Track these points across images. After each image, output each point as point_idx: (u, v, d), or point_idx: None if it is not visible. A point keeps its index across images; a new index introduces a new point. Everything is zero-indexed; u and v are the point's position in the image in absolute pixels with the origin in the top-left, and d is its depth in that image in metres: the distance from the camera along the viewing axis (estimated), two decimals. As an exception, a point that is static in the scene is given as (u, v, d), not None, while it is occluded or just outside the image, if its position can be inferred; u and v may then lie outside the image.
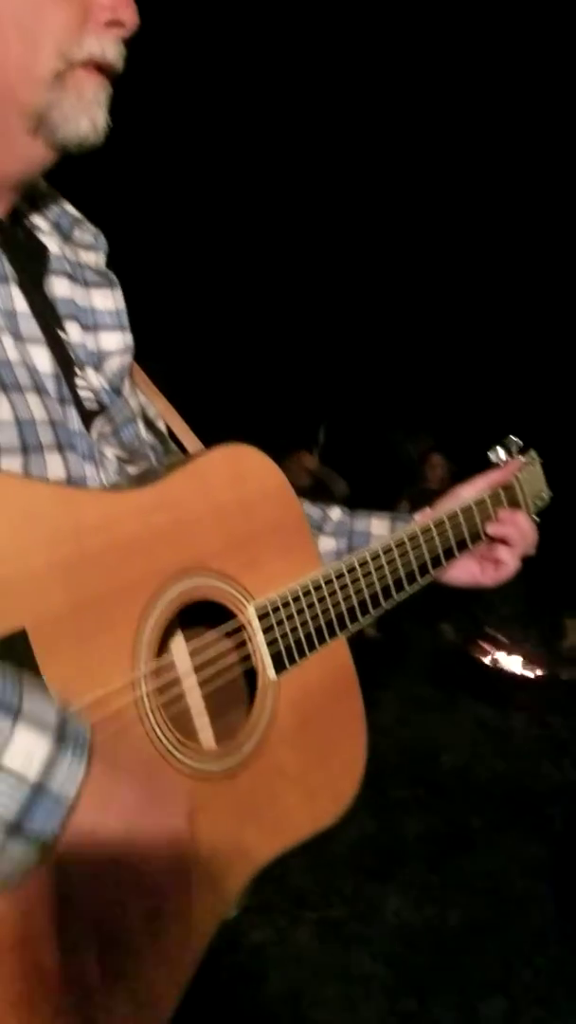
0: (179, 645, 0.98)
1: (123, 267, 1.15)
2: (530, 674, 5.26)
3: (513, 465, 1.44)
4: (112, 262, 1.14)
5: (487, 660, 5.38)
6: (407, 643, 6.05)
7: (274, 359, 8.43)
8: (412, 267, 8.95)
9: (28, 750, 0.64)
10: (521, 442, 1.49)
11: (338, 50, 7.24)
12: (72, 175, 1.06)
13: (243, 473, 1.05)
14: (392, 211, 8.48)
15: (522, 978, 2.87)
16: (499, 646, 5.42)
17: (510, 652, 5.38)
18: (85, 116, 0.94)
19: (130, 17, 0.94)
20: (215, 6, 6.42)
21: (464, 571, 1.36)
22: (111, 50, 0.94)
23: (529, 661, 5.31)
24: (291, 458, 6.38)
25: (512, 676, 5.27)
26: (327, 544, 1.34)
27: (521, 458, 1.48)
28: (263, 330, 8.55)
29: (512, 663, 5.33)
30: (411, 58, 7.19)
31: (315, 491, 6.05)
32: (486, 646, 5.46)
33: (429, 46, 7.08)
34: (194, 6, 5.90)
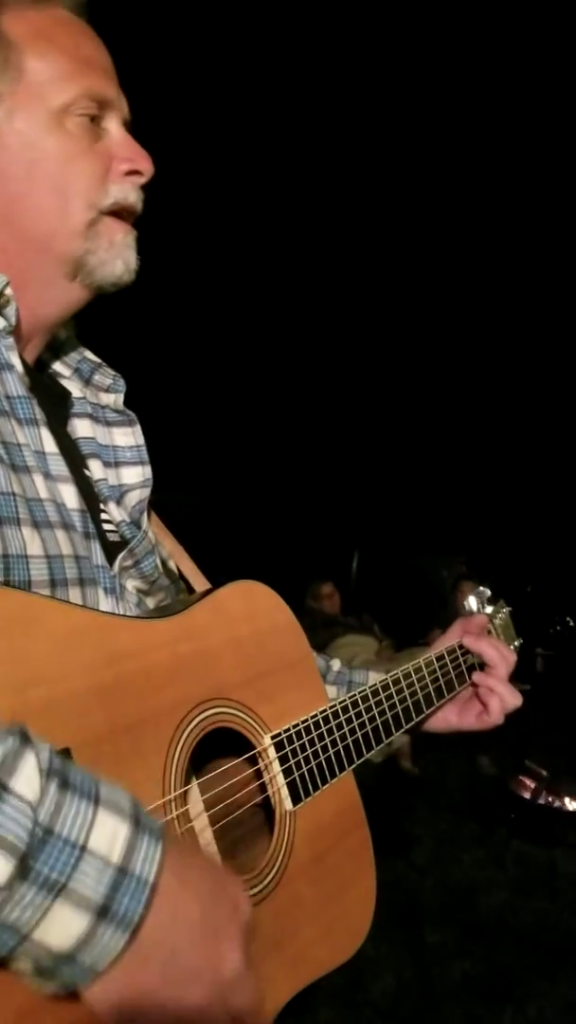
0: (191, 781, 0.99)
1: (153, 402, 1.23)
2: (573, 808, 5.02)
3: (481, 618, 1.51)
4: (140, 396, 1.25)
5: (527, 795, 5.16)
6: (445, 778, 5.86)
7: (305, 488, 8.58)
8: (444, 398, 9.20)
9: (110, 833, 0.65)
10: (489, 592, 1.62)
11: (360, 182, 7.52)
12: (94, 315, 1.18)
13: (256, 608, 1.09)
14: (426, 343, 8.78)
15: None
16: (540, 780, 5.20)
17: (552, 786, 5.16)
18: (119, 259, 1.06)
19: (147, 166, 1.08)
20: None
21: (440, 720, 1.42)
22: (132, 195, 1.07)
23: (572, 795, 5.08)
24: (319, 587, 6.37)
25: (554, 811, 5.03)
26: (329, 691, 1.39)
27: (490, 609, 1.59)
28: (293, 461, 8.75)
29: (554, 797, 5.10)
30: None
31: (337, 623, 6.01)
32: (526, 780, 5.25)
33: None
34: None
